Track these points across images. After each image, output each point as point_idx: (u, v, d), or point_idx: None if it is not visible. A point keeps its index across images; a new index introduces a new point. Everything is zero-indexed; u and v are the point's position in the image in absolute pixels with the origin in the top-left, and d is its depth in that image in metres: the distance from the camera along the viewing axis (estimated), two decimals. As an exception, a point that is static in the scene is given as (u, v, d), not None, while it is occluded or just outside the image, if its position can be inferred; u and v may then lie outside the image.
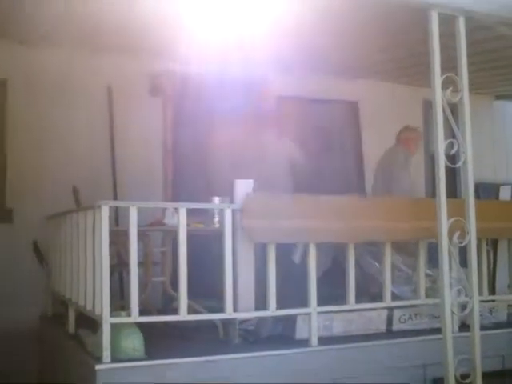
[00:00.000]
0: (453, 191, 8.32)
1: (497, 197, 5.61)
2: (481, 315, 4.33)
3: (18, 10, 5.30)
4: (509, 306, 5.53)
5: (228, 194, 4.72)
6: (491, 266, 5.52)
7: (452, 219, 4.07)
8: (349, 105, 7.99)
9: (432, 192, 8.32)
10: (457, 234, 4.07)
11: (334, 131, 7.96)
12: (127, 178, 6.48)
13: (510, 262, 5.54)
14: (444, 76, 4.14)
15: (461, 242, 4.11)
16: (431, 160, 8.48)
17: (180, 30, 5.60)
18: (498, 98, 8.87)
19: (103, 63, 6.43)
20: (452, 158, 4.27)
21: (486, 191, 6.66)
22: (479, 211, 4.23)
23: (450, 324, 4.04)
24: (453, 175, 8.54)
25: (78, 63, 6.35)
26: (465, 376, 4.07)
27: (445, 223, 4.05)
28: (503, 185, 5.78)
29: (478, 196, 4.28)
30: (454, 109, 4.31)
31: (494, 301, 5.36)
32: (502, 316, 5.46)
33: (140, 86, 6.75)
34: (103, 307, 3.94)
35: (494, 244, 5.50)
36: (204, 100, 7.03)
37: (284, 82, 7.27)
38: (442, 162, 4.11)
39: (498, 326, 5.27)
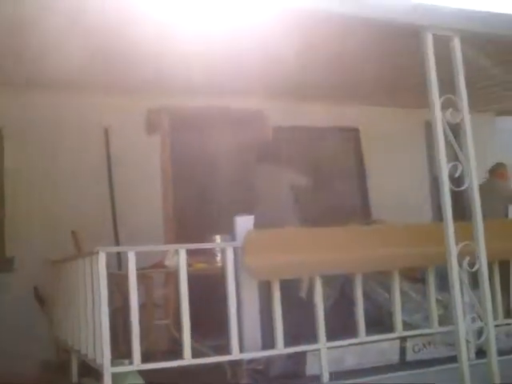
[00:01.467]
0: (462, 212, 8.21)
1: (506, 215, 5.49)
2: (496, 339, 4.17)
3: (7, 54, 5.24)
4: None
5: (230, 230, 4.63)
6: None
7: (461, 244, 3.93)
8: (349, 131, 7.89)
9: (439, 214, 8.21)
10: (467, 259, 3.92)
11: (336, 159, 7.85)
12: (128, 218, 6.36)
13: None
14: (443, 97, 4.03)
15: (471, 267, 3.97)
16: (436, 182, 8.39)
17: (174, 64, 5.55)
18: (499, 114, 8.76)
19: (98, 103, 6.34)
20: (457, 180, 4.16)
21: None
22: (488, 232, 4.09)
23: (465, 353, 3.88)
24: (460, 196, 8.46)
25: (73, 105, 6.27)
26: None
27: (453, 249, 3.92)
28: (512, 203, 5.66)
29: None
30: (455, 129, 4.21)
31: (509, 324, 5.19)
32: (519, 340, 5.28)
33: (137, 124, 6.67)
34: (104, 356, 3.81)
35: (506, 264, 5.33)
36: (202, 134, 6.97)
37: (281, 112, 7.18)
38: (446, 187, 3.99)
39: (515, 350, 5.09)
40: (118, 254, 5.54)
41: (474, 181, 4.07)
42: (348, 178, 7.88)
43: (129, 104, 6.48)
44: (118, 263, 5.59)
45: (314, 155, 7.64)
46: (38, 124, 6.19)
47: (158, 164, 6.77)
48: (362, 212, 7.76)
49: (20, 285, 5.88)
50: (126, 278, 4.43)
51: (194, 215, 6.86)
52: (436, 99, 4.03)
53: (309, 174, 6.74)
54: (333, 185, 7.73)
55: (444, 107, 4.12)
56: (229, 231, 4.68)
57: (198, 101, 6.62)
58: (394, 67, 6.38)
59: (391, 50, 5.69)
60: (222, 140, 7.14)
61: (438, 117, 4.03)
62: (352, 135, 7.90)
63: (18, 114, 6.13)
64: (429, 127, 8.16)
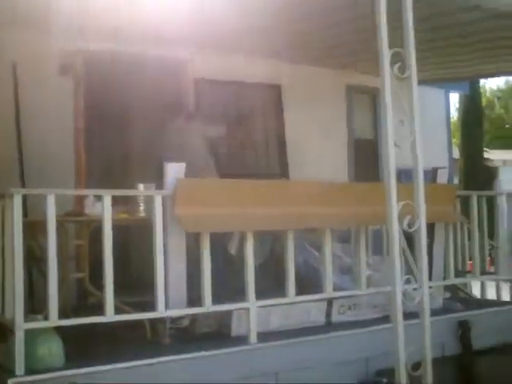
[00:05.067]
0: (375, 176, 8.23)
1: (434, 180, 5.47)
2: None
3: None
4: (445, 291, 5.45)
5: (152, 181, 4.31)
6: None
7: (401, 203, 3.79)
8: (271, 88, 7.66)
9: (354, 177, 8.21)
10: (407, 218, 3.79)
11: (257, 115, 7.62)
12: (36, 166, 5.84)
13: (447, 247, 5.38)
14: (392, 50, 3.85)
15: (410, 227, 3.85)
16: (354, 145, 8.37)
17: (92, 4, 5.09)
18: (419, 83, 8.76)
19: (7, 38, 5.77)
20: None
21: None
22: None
23: (401, 314, 3.78)
24: (373, 160, 8.48)
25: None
26: (414, 366, 3.83)
27: (395, 208, 3.77)
28: (440, 168, 5.65)
29: (399, 181, 4.07)
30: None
31: (430, 287, 5.18)
32: (438, 303, 5.32)
33: (49, 64, 6.13)
34: (16, 311, 3.42)
35: (431, 228, 5.30)
36: (118, 80, 6.52)
37: (203, 63, 6.87)
38: (391, 143, 3.82)
39: (435, 313, 5.07)
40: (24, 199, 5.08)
41: (418, 138, 3.93)
42: (268, 134, 7.68)
43: (41, 42, 5.92)
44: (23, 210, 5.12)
45: (235, 109, 7.37)
46: None
47: (71, 108, 6.28)
48: (279, 168, 7.59)
49: None
50: (33, 225, 4.06)
51: (108, 164, 6.45)
52: (386, 51, 3.83)
53: (227, 127, 6.49)
54: (252, 140, 7.52)
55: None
56: (147, 181, 4.37)
57: (117, 45, 6.18)
58: (321, 26, 6.19)
59: (321, 7, 5.47)
60: (139, 88, 6.74)
61: (387, 70, 3.83)
62: (274, 92, 7.67)
63: None
64: (349, 90, 8.29)
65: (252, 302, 4.11)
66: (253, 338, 4.11)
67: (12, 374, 3.36)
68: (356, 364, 4.49)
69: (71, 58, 6.28)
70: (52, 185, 5.01)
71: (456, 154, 14.67)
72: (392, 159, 3.80)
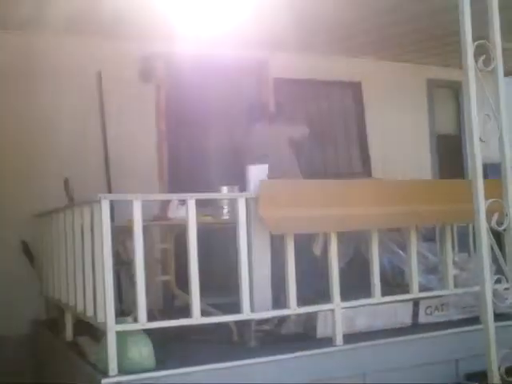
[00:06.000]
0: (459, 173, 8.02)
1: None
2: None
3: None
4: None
5: (233, 183, 4.34)
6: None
7: (490, 200, 3.66)
8: (351, 85, 7.59)
9: (438, 173, 8.03)
10: (495, 216, 3.66)
11: (337, 112, 7.57)
12: (120, 169, 6.02)
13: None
14: (476, 43, 3.72)
15: (498, 226, 3.71)
16: (437, 140, 8.19)
17: (171, 9, 5.20)
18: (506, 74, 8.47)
19: (91, 48, 5.98)
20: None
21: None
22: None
23: (491, 315, 3.64)
24: (457, 156, 8.26)
25: (65, 48, 5.89)
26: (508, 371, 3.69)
27: (482, 205, 3.65)
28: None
29: (485, 176, 3.92)
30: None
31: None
32: (531, 303, 5.09)
33: (130, 71, 6.29)
34: (107, 313, 3.51)
35: None
36: (198, 83, 6.62)
37: (282, 64, 6.89)
38: (476, 138, 3.68)
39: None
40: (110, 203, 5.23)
41: (505, 133, 3.79)
42: (349, 131, 7.62)
43: (123, 49, 6.11)
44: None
45: (315, 108, 7.35)
46: (29, 66, 5.79)
47: (153, 112, 6.42)
48: (361, 166, 7.52)
49: (6, 237, 5.55)
50: (119, 230, 4.16)
51: (189, 166, 6.55)
52: (470, 44, 3.71)
53: (309, 128, 6.46)
54: (334, 138, 7.48)
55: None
56: (230, 183, 4.40)
57: (196, 48, 6.26)
58: (400, 21, 6.11)
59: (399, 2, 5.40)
60: (219, 90, 6.81)
61: (471, 64, 3.70)
62: (354, 89, 7.60)
63: (7, 56, 5.71)
64: (430, 84, 8.11)
65: (337, 304, 4.07)
66: (339, 339, 4.07)
67: (106, 374, 3.45)
68: (445, 366, 4.37)
69: (151, 64, 6.42)
70: (136, 188, 5.22)
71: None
72: (478, 155, 3.67)
